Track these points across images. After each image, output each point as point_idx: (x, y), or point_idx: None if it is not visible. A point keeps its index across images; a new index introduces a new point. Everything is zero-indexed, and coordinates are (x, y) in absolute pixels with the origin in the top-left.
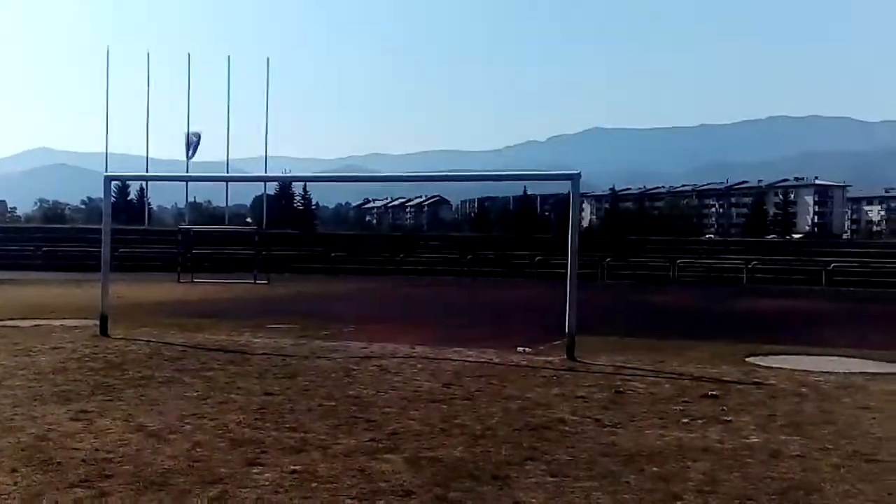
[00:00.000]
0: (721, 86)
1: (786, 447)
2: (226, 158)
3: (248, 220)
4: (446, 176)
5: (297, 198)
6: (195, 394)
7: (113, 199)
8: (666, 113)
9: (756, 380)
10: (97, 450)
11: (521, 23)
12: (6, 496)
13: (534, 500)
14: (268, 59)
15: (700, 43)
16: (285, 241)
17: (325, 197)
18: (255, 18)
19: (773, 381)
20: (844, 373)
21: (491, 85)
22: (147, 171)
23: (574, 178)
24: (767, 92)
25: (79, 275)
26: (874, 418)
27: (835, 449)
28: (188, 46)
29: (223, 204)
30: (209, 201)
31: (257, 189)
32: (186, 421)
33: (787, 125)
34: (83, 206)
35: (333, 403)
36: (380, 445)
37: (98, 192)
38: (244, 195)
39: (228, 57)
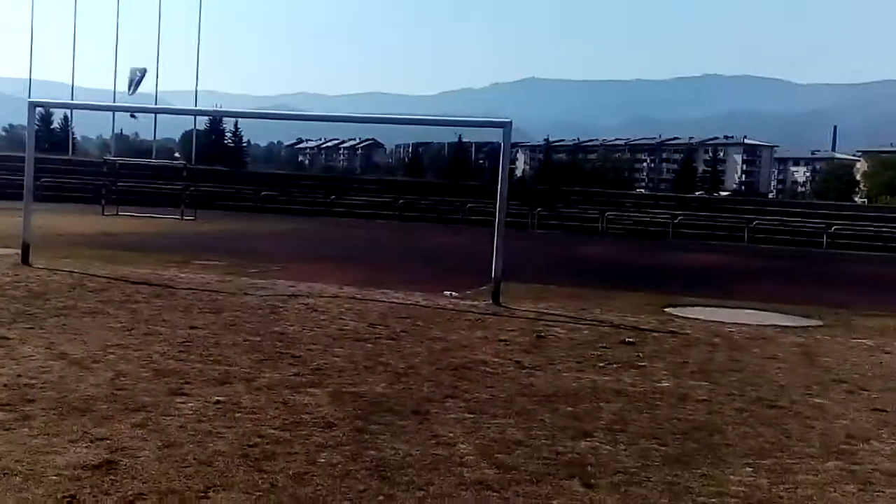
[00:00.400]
0: (658, 42)
1: (694, 392)
2: (155, 90)
3: (177, 154)
4: (381, 118)
5: (228, 134)
6: (119, 325)
7: (36, 126)
8: (603, 66)
9: (672, 329)
10: (19, 375)
11: None
12: None
13: (451, 434)
14: None
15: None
16: (214, 178)
17: (257, 135)
18: None
19: (687, 331)
20: (756, 325)
21: (430, 29)
22: (73, 100)
23: (506, 127)
24: (702, 50)
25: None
26: (779, 368)
27: (740, 395)
28: None
29: (151, 137)
30: (136, 134)
31: (187, 123)
32: (110, 351)
33: (719, 83)
34: (3, 133)
35: (259, 339)
36: (303, 380)
37: (19, 119)
38: (173, 129)
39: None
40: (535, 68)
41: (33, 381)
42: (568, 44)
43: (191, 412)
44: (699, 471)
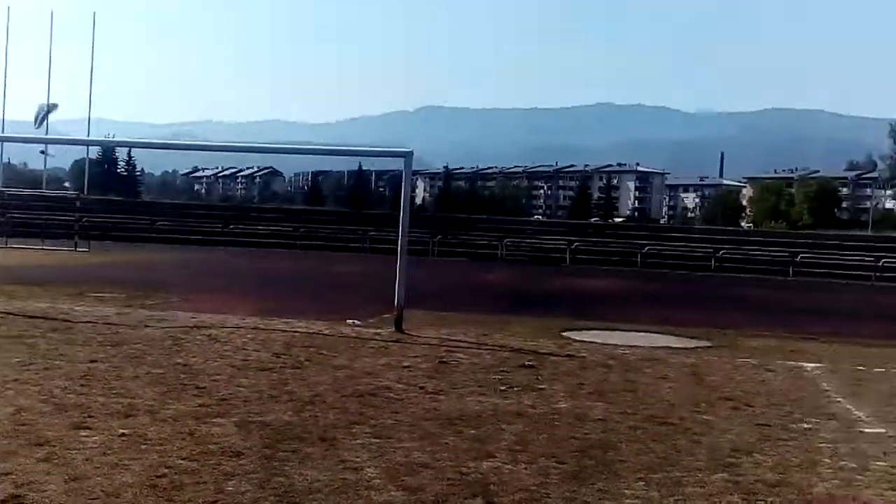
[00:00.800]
0: (553, 72)
1: (590, 411)
2: (45, 115)
3: (66, 184)
4: (282, 148)
5: (121, 163)
6: (16, 360)
7: None
8: (500, 95)
9: (569, 352)
10: None
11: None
12: None
13: (358, 459)
14: (94, 14)
15: (535, 30)
16: (108, 208)
17: (152, 163)
18: None
19: (584, 354)
20: (649, 347)
21: (327, 58)
22: None
23: (406, 156)
24: (596, 80)
25: None
26: (670, 387)
27: (633, 413)
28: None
29: (40, 167)
30: (25, 163)
31: (77, 153)
32: (8, 386)
33: (612, 112)
34: None
35: (161, 371)
36: (209, 410)
37: None
38: (63, 159)
39: (51, 11)
40: (433, 97)
41: None
42: (465, 73)
43: (95, 445)
44: (596, 486)
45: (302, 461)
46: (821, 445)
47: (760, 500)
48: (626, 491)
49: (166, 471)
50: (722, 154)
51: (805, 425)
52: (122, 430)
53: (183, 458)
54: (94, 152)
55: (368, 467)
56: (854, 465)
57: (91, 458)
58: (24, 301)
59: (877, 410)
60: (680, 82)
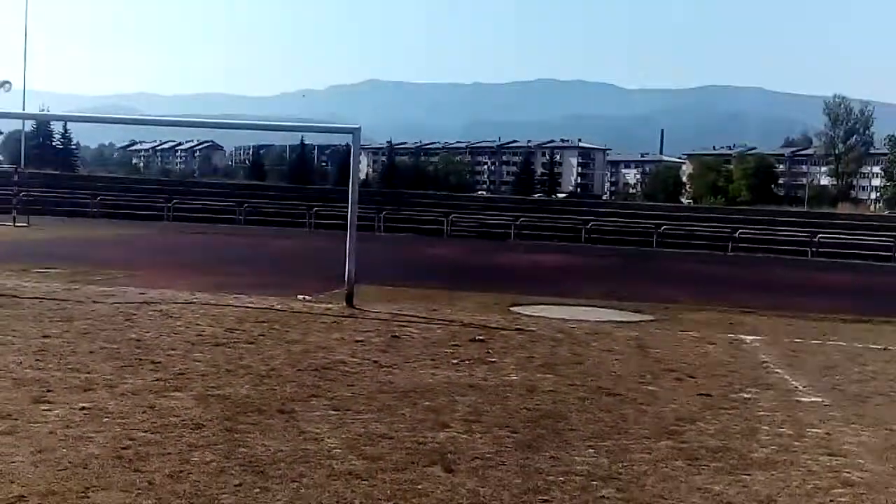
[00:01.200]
0: (495, 46)
1: (541, 384)
2: None
3: (0, 158)
4: (226, 123)
5: (57, 136)
6: None
7: None
8: (442, 70)
9: (518, 326)
10: None
11: None
12: None
13: (317, 430)
14: None
15: (478, 5)
16: (45, 183)
17: (88, 136)
18: None
19: (532, 328)
20: (595, 321)
21: (270, 28)
22: None
23: (355, 133)
24: (538, 55)
25: None
26: (616, 360)
27: (582, 385)
28: None
29: None
30: None
31: (9, 126)
32: None
33: (554, 88)
34: None
35: (116, 346)
36: (167, 385)
37: None
38: None
39: None
40: (375, 70)
41: None
42: (408, 47)
43: (57, 419)
44: (548, 454)
45: (263, 432)
46: (760, 414)
47: (704, 465)
48: (577, 458)
49: (130, 443)
50: (662, 131)
51: (745, 395)
52: (82, 404)
53: (145, 431)
54: (29, 125)
55: (328, 438)
56: (791, 433)
57: (54, 430)
58: None
59: (813, 381)
60: (620, 59)
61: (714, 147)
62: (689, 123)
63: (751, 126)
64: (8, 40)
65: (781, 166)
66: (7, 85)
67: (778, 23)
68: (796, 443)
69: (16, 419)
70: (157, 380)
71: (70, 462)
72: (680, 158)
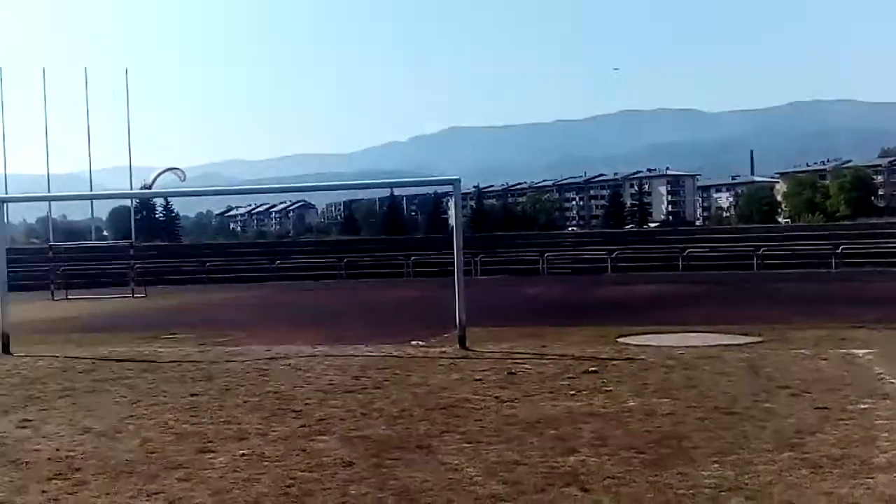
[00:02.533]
0: (573, 83)
1: (658, 408)
2: (88, 171)
3: (105, 233)
4: (334, 186)
5: (160, 209)
6: (124, 399)
7: None
8: (521, 111)
9: (628, 356)
10: (57, 450)
11: (376, 25)
12: None
13: (456, 461)
14: (126, 70)
15: (550, 42)
16: (154, 254)
17: (186, 206)
18: (112, 29)
19: (643, 357)
20: (703, 346)
21: (348, 88)
22: (6, 188)
23: (455, 183)
24: (617, 88)
25: None
26: (730, 381)
27: (699, 406)
28: (42, 61)
29: (77, 218)
30: (64, 216)
31: (113, 202)
32: (127, 422)
33: (637, 118)
34: None
35: (257, 399)
36: (311, 430)
37: None
38: (100, 207)
39: (85, 68)
40: (455, 118)
41: (72, 453)
42: (485, 92)
43: (223, 465)
44: (674, 470)
45: (407, 466)
46: (878, 423)
47: (827, 472)
48: (703, 472)
49: (292, 481)
50: (752, 151)
51: (862, 406)
52: (241, 451)
53: (303, 471)
54: (134, 200)
55: (467, 467)
56: None
57: (224, 475)
58: (106, 347)
59: None
60: (702, 83)
61: (807, 164)
62: (779, 142)
63: (843, 139)
64: (111, 122)
65: (879, 177)
66: (181, 173)
67: (863, 31)
68: None
69: (187, 467)
70: (302, 426)
71: (245, 500)
72: (773, 178)
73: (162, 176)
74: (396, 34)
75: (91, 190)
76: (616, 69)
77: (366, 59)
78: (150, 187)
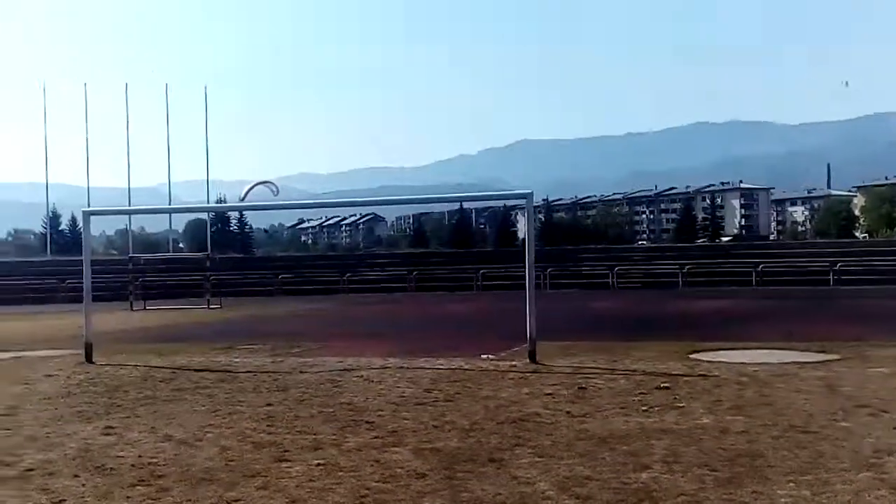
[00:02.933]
0: (645, 95)
1: (732, 425)
2: (168, 185)
3: (181, 245)
4: (415, 199)
5: (234, 222)
6: (203, 408)
7: (42, 229)
8: (592, 123)
9: (701, 373)
10: (140, 456)
11: (447, 40)
12: (80, 497)
13: (528, 475)
14: (205, 88)
15: (618, 53)
16: (229, 265)
17: (258, 218)
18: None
19: (716, 373)
20: (778, 363)
21: (417, 100)
22: (88, 200)
23: (528, 197)
24: (689, 99)
25: (16, 308)
26: (806, 399)
27: (774, 424)
28: (125, 76)
29: (154, 230)
30: (142, 228)
31: (189, 214)
32: (206, 430)
33: (709, 131)
34: (9, 238)
35: (331, 410)
36: (385, 441)
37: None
38: (176, 220)
39: (166, 85)
40: (525, 130)
41: (154, 460)
42: (555, 104)
43: (299, 474)
44: (749, 489)
45: (479, 479)
46: None
47: None
48: (778, 491)
49: (367, 491)
50: (828, 164)
51: None
52: (317, 461)
53: (377, 481)
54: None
55: (539, 482)
56: None
57: (300, 484)
58: (184, 357)
59: None
60: (775, 95)
61: (886, 177)
62: (856, 154)
63: None
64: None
65: None
66: (274, 187)
67: None
68: None
69: (265, 476)
70: (375, 437)
71: None
72: (850, 191)
73: (254, 189)
74: (466, 45)
75: (169, 203)
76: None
77: (435, 70)
78: (243, 200)
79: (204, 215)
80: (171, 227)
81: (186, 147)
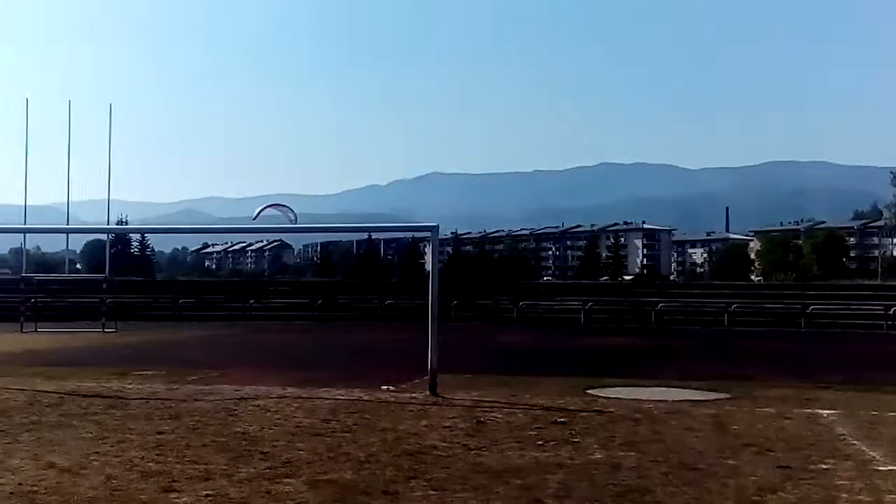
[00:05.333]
0: (554, 134)
1: (624, 461)
2: (67, 203)
3: (78, 266)
4: (311, 228)
5: (135, 244)
6: (90, 435)
7: None
8: (502, 159)
9: (597, 408)
10: (20, 484)
11: (362, 69)
12: None
13: None
14: (110, 106)
15: (530, 93)
16: (128, 289)
17: (161, 242)
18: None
19: (611, 409)
20: (672, 400)
21: (330, 130)
22: None
23: (433, 230)
24: (597, 140)
25: None
26: (696, 436)
27: (664, 461)
28: (25, 91)
29: (51, 250)
30: (38, 247)
31: (88, 235)
32: (92, 458)
33: (616, 172)
34: None
35: (224, 439)
36: (277, 472)
37: None
38: (74, 241)
39: (69, 101)
40: (436, 163)
41: (35, 488)
42: (466, 139)
43: None
44: None
45: None
46: (839, 483)
47: None
48: None
49: None
50: (727, 209)
51: (823, 466)
52: (206, 492)
53: None
54: (109, 235)
55: None
56: (870, 499)
57: None
58: (74, 382)
59: (889, 451)
60: (679, 140)
61: (781, 223)
62: (755, 200)
63: (817, 200)
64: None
65: (852, 239)
66: (292, 214)
67: (838, 95)
68: None
69: None
70: (268, 468)
71: None
72: (747, 236)
73: (265, 211)
74: (378, 77)
75: (67, 222)
76: None
77: (346, 101)
78: (254, 220)
79: (103, 236)
80: (68, 247)
81: (88, 166)
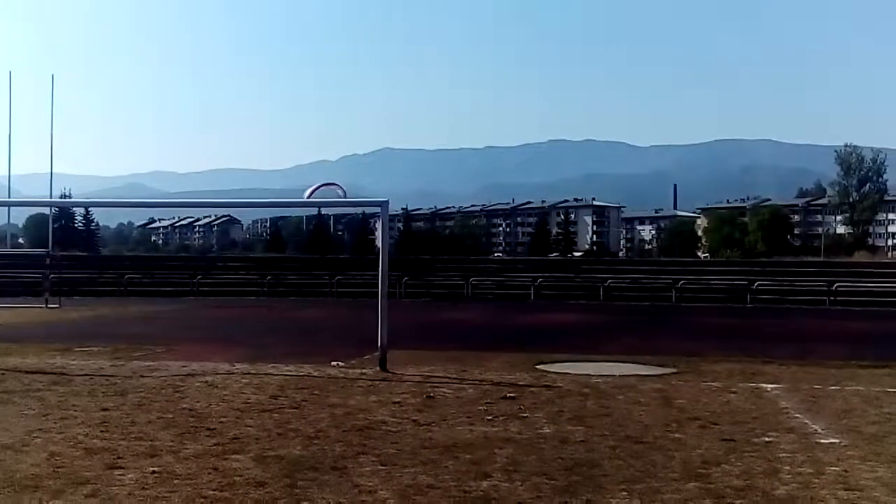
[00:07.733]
0: (505, 110)
1: (572, 435)
2: (8, 177)
3: (21, 240)
4: (259, 203)
5: (79, 218)
6: (32, 412)
7: None
8: (454, 135)
9: (546, 383)
10: None
11: (312, 44)
12: None
13: (370, 484)
14: (52, 77)
15: (483, 69)
16: (72, 264)
17: (106, 216)
18: (39, 34)
19: (560, 384)
20: (619, 375)
21: (280, 104)
22: None
23: (383, 206)
24: (548, 117)
25: None
26: (643, 411)
27: (611, 435)
28: None
29: None
30: None
31: (31, 209)
32: (34, 435)
33: (566, 149)
34: None
35: (171, 415)
36: (225, 448)
37: None
38: (16, 214)
39: (10, 72)
40: (388, 139)
41: None
42: (418, 115)
43: (132, 482)
44: (584, 497)
45: (320, 487)
46: (781, 455)
47: (730, 502)
48: (611, 500)
49: (202, 500)
50: (675, 186)
51: (766, 439)
52: (152, 469)
53: (214, 490)
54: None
55: (381, 490)
56: (811, 471)
57: (132, 492)
58: (16, 358)
59: (831, 424)
60: (631, 117)
61: (728, 200)
62: (703, 178)
63: (764, 178)
64: (31, 126)
65: (796, 217)
66: (341, 191)
67: (784, 74)
68: (816, 480)
69: (95, 483)
70: (215, 444)
71: None
72: (694, 213)
73: (320, 190)
74: (332, 53)
75: (9, 196)
76: None
77: (299, 76)
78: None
79: (47, 210)
80: (9, 221)
81: (31, 139)
